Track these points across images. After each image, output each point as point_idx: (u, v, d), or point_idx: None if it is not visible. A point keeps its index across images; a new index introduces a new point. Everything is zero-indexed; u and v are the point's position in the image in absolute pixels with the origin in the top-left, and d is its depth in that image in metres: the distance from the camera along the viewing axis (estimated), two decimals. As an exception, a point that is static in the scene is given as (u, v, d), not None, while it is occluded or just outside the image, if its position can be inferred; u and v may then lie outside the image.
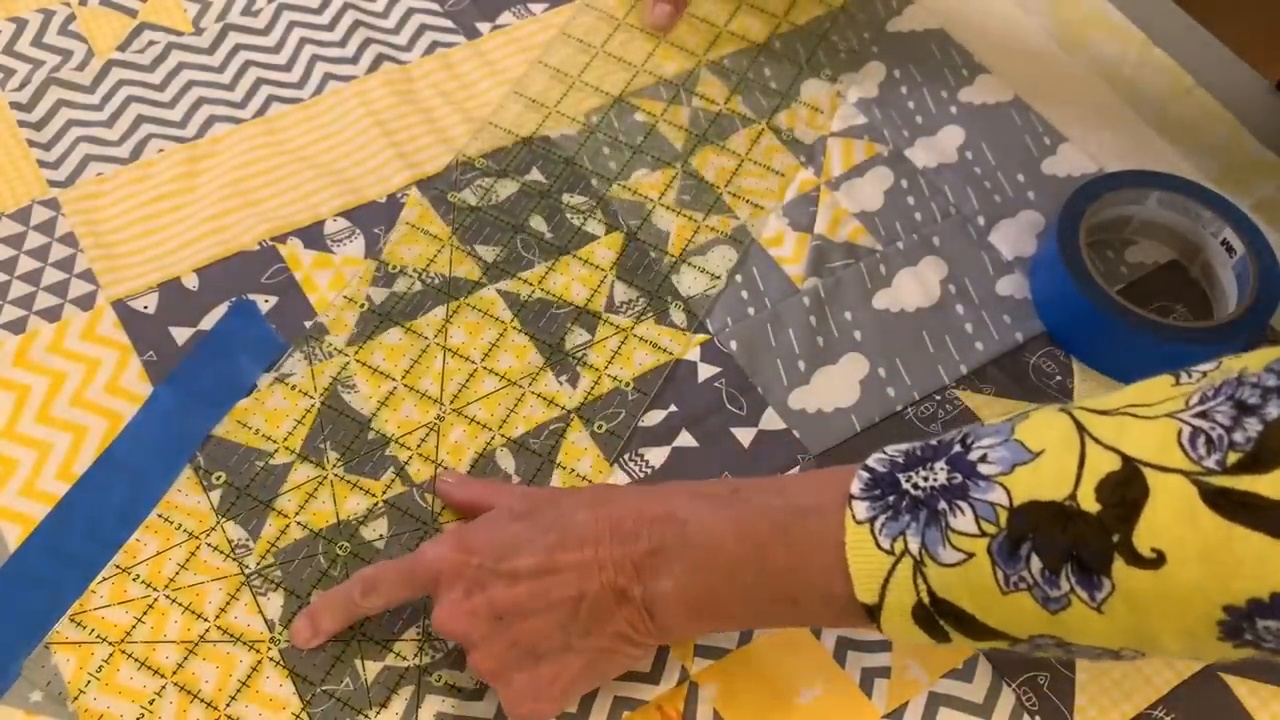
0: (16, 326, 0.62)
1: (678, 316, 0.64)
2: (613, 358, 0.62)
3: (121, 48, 0.73)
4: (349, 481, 0.58)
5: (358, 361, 0.61)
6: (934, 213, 0.69)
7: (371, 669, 0.53)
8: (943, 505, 0.42)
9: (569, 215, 0.67)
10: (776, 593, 0.46)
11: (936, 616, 0.43)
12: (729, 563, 0.47)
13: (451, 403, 0.60)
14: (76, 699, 0.52)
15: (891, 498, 0.43)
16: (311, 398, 0.60)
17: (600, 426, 0.60)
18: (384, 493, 0.57)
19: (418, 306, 0.63)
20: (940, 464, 0.43)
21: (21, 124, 0.69)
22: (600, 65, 0.74)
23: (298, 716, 0.52)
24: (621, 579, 0.47)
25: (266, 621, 0.54)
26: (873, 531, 0.43)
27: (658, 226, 0.67)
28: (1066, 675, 0.54)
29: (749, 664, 0.54)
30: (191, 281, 0.64)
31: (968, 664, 0.54)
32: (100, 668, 0.52)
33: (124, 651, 0.53)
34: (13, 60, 0.72)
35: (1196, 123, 0.73)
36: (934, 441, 0.45)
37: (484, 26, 0.76)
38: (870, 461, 0.45)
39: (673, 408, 0.61)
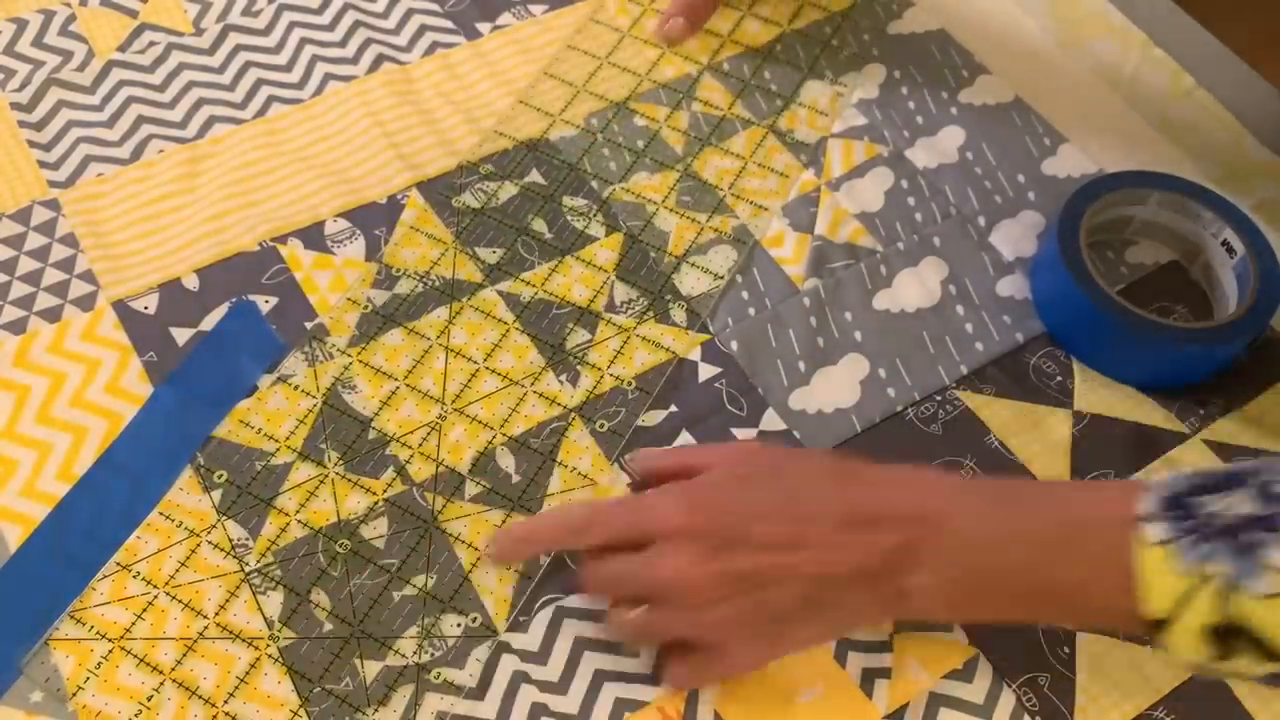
0: (17, 327, 0.62)
1: (679, 316, 0.64)
2: (614, 357, 0.62)
3: (122, 48, 0.73)
4: (349, 480, 0.58)
5: (359, 362, 0.61)
6: (934, 213, 0.69)
7: (371, 667, 0.53)
8: (1258, 538, 0.43)
9: (570, 217, 0.67)
10: (1048, 599, 0.48)
11: (1232, 639, 0.44)
12: (1001, 567, 0.48)
13: (453, 402, 0.60)
14: (75, 695, 0.52)
15: (1190, 522, 0.44)
16: (312, 398, 0.60)
17: (601, 425, 0.60)
18: (384, 492, 0.57)
19: (419, 308, 0.63)
20: (1243, 493, 0.44)
21: (22, 124, 0.69)
22: (603, 73, 0.74)
23: (296, 714, 0.52)
24: (872, 564, 0.48)
25: (266, 619, 0.54)
26: (1172, 554, 0.44)
27: (659, 227, 0.67)
28: (1067, 676, 0.54)
29: (749, 664, 0.54)
30: (192, 282, 0.64)
31: (968, 664, 0.54)
32: (99, 665, 0.52)
33: (123, 649, 0.53)
34: (13, 61, 0.72)
35: (1197, 123, 0.73)
36: (1227, 471, 0.46)
37: (484, 27, 0.76)
38: (1156, 482, 0.46)
39: (673, 408, 0.61)
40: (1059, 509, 0.48)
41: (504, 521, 0.57)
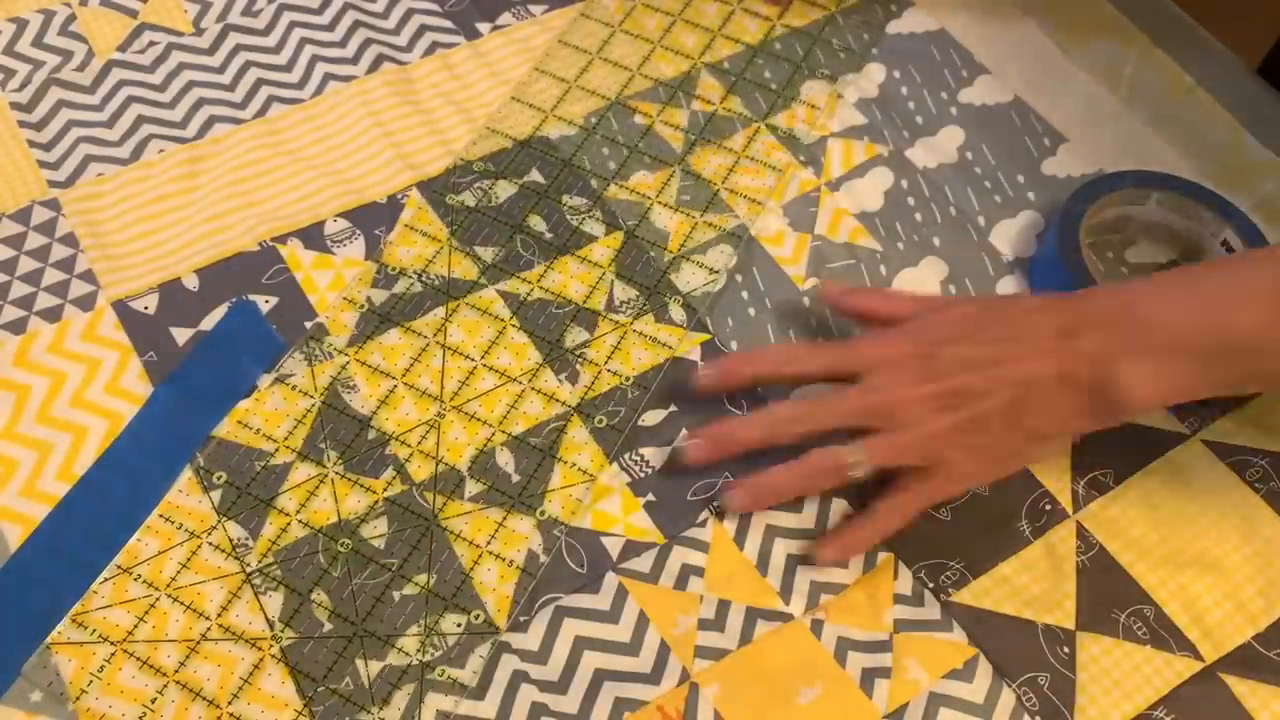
0: (17, 327, 0.62)
1: (677, 313, 0.64)
2: (612, 354, 0.62)
3: (122, 48, 0.73)
4: (349, 479, 0.58)
5: (358, 361, 0.61)
6: (934, 213, 0.69)
7: (373, 667, 0.53)
8: None
9: (568, 215, 0.67)
10: (1235, 351, 0.50)
11: None
12: (1194, 331, 0.50)
13: (451, 400, 0.60)
14: (78, 699, 0.52)
15: None
16: (311, 398, 0.60)
17: (600, 422, 0.60)
18: (384, 491, 0.57)
19: (417, 307, 0.63)
20: None
21: (22, 124, 0.69)
22: (598, 69, 0.74)
23: (300, 715, 0.52)
24: (1077, 369, 0.52)
25: (268, 620, 0.54)
26: None
27: (656, 225, 0.67)
28: (1067, 676, 0.54)
29: (749, 664, 0.54)
30: (192, 282, 0.64)
31: (968, 664, 0.54)
32: (102, 668, 0.52)
33: (125, 651, 0.53)
34: (13, 61, 0.72)
35: (1196, 123, 0.73)
36: None
37: (484, 27, 0.76)
38: None
39: (673, 408, 0.61)
40: (1229, 268, 0.52)
41: (504, 519, 0.57)
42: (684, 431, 0.60)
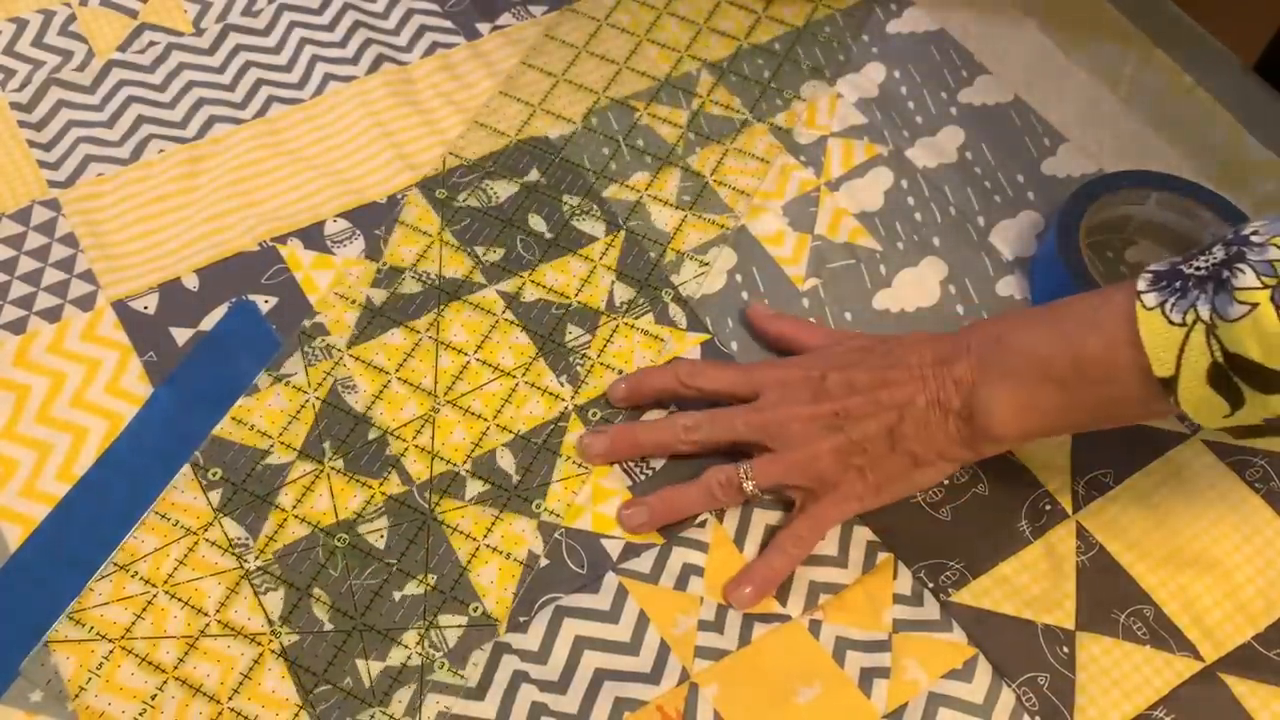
0: (17, 327, 0.62)
1: (676, 313, 0.64)
2: (612, 353, 0.62)
3: (122, 48, 0.73)
4: (347, 476, 0.58)
5: (357, 361, 0.61)
6: (934, 213, 0.69)
7: (373, 666, 0.53)
8: (1225, 274, 0.47)
9: (567, 214, 0.67)
10: (1085, 381, 0.51)
11: (1230, 373, 0.47)
12: (1043, 360, 0.52)
13: (445, 395, 0.60)
14: (77, 697, 0.52)
15: (1178, 283, 0.49)
16: (312, 397, 0.60)
17: (599, 420, 0.60)
18: (383, 488, 0.57)
19: (418, 307, 0.63)
20: (1216, 248, 0.49)
21: (22, 124, 0.69)
22: (596, 68, 0.74)
23: (299, 712, 0.52)
24: (944, 393, 0.54)
25: (267, 617, 0.54)
26: (1164, 312, 0.49)
27: (656, 224, 0.67)
28: (1067, 676, 0.54)
29: (749, 664, 0.54)
30: (192, 282, 0.64)
31: (967, 664, 0.54)
32: (100, 665, 0.52)
33: (124, 649, 0.53)
34: (13, 61, 0.72)
35: (1196, 123, 0.73)
36: (1211, 241, 0.50)
37: (484, 27, 0.76)
38: (1147, 271, 0.51)
39: (673, 408, 0.61)
40: (1089, 302, 0.53)
41: (504, 520, 0.57)
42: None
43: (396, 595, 0.55)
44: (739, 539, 0.57)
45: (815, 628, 0.55)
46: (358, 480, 0.58)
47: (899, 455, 0.55)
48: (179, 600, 0.54)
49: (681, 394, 0.60)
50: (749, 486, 0.56)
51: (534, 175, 0.69)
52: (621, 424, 0.60)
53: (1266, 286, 0.46)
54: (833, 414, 0.56)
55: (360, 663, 0.53)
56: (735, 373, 0.59)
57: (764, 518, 0.58)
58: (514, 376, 0.61)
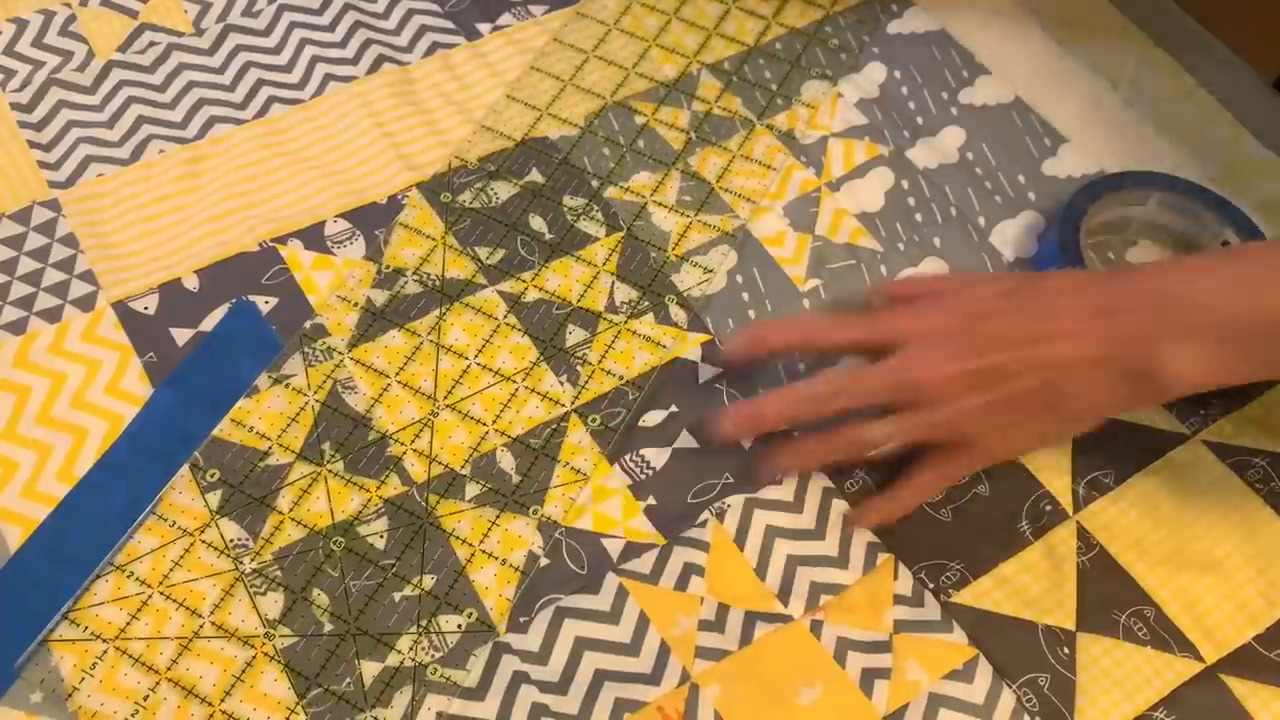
0: (17, 327, 0.62)
1: (677, 314, 0.64)
2: (613, 355, 0.62)
3: (122, 49, 0.73)
4: (345, 478, 0.58)
5: (357, 362, 0.61)
6: (934, 214, 0.69)
7: (370, 667, 0.53)
8: None
9: (568, 216, 0.67)
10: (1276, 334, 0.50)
11: None
12: (1229, 316, 0.50)
13: (446, 398, 0.60)
14: (71, 696, 0.52)
15: None
16: (310, 398, 0.60)
17: (599, 422, 0.60)
18: (381, 491, 0.57)
19: (418, 308, 0.63)
20: None
21: (22, 125, 0.69)
22: (596, 69, 0.74)
23: (294, 714, 0.52)
24: (1113, 350, 0.51)
25: (263, 619, 0.54)
26: None
27: (657, 226, 0.67)
28: (1067, 676, 0.54)
29: (749, 665, 0.54)
30: (192, 282, 0.64)
31: (968, 665, 0.54)
32: (95, 665, 0.52)
33: (119, 649, 0.53)
34: (13, 61, 0.72)
35: (1197, 123, 0.73)
36: None
37: (484, 27, 0.76)
38: None
39: (673, 408, 0.61)
40: (1263, 256, 0.51)
41: (504, 521, 0.57)
42: (684, 431, 0.60)
43: (395, 596, 0.55)
44: (739, 539, 0.57)
45: (816, 628, 0.55)
46: (358, 484, 0.58)
47: (1053, 414, 0.53)
48: (175, 601, 0.54)
49: (810, 349, 0.57)
50: (889, 447, 0.54)
51: (534, 176, 0.69)
52: (745, 404, 0.57)
53: None
54: (984, 370, 0.53)
55: (358, 664, 0.53)
56: (871, 325, 0.56)
57: (764, 518, 0.58)
58: (514, 381, 0.61)
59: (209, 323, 0.62)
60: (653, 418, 0.61)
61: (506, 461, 0.59)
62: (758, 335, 0.58)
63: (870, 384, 0.55)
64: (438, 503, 0.57)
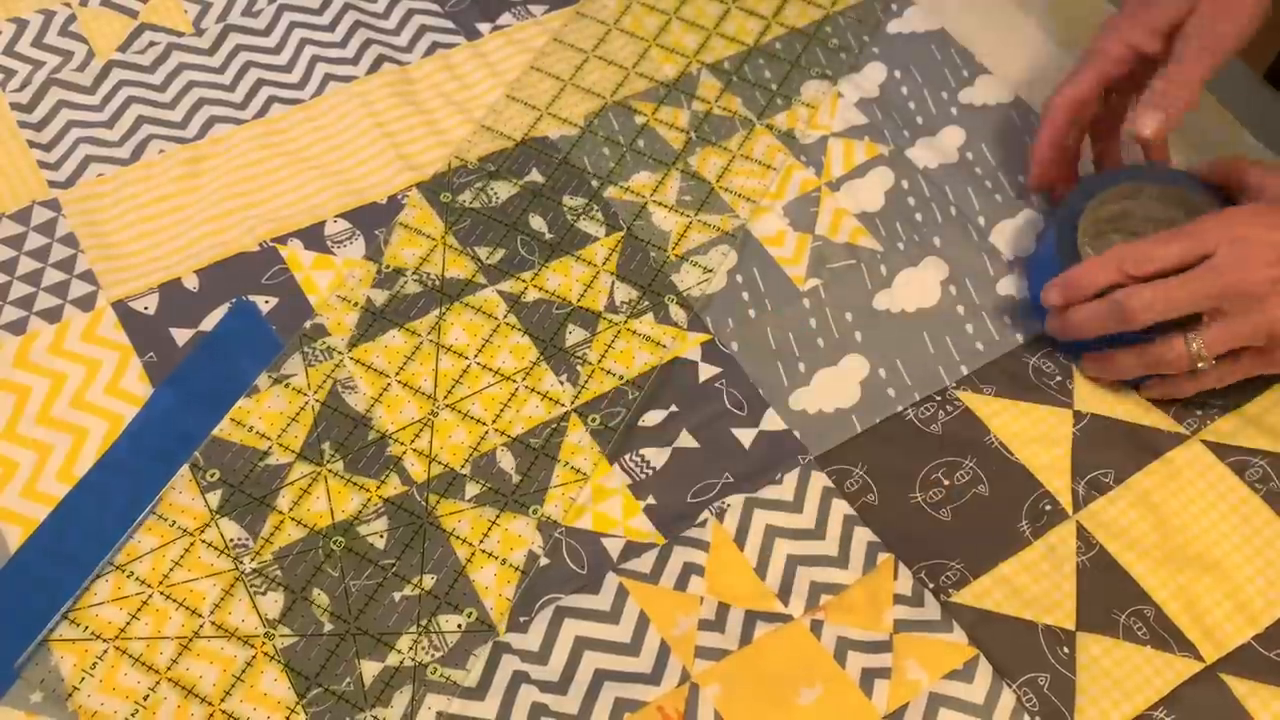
0: (17, 327, 0.62)
1: (677, 314, 0.64)
2: (613, 355, 0.62)
3: (122, 48, 0.73)
4: (345, 478, 0.58)
5: (357, 362, 0.61)
6: (934, 213, 0.69)
7: (370, 667, 0.53)
8: None
9: (568, 215, 0.67)
10: None
11: None
12: None
13: (446, 398, 0.60)
14: (71, 696, 0.52)
15: None
16: (310, 398, 0.60)
17: (599, 422, 0.60)
18: (381, 491, 0.57)
19: (418, 308, 0.63)
20: None
21: (22, 125, 0.69)
22: (596, 69, 0.74)
23: (294, 713, 0.52)
24: None
25: (263, 618, 0.54)
26: None
27: (657, 226, 0.67)
28: (1066, 676, 0.54)
29: (749, 665, 0.54)
30: (192, 282, 0.64)
31: (968, 664, 0.54)
32: (95, 665, 0.52)
33: (119, 649, 0.53)
34: (13, 61, 0.72)
35: (1196, 122, 0.73)
36: None
37: (484, 27, 0.76)
38: None
39: (673, 408, 0.61)
40: None
41: (504, 521, 0.57)
42: (684, 431, 0.60)
43: (395, 596, 0.55)
44: (739, 539, 0.57)
45: (817, 628, 0.55)
46: (358, 484, 0.58)
47: None
48: (175, 601, 0.54)
49: (1134, 282, 0.58)
50: (1203, 364, 0.57)
51: (534, 176, 0.69)
52: (1069, 313, 0.60)
53: None
54: None
55: (358, 664, 0.53)
56: (1184, 242, 0.57)
57: (764, 517, 0.58)
58: (514, 381, 0.61)
59: (209, 323, 0.62)
60: (653, 417, 0.61)
61: (506, 461, 0.59)
62: (1070, 285, 0.60)
63: (1186, 296, 0.56)
64: (438, 502, 0.57)
